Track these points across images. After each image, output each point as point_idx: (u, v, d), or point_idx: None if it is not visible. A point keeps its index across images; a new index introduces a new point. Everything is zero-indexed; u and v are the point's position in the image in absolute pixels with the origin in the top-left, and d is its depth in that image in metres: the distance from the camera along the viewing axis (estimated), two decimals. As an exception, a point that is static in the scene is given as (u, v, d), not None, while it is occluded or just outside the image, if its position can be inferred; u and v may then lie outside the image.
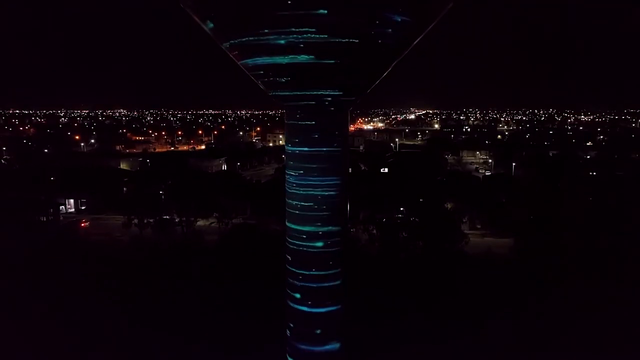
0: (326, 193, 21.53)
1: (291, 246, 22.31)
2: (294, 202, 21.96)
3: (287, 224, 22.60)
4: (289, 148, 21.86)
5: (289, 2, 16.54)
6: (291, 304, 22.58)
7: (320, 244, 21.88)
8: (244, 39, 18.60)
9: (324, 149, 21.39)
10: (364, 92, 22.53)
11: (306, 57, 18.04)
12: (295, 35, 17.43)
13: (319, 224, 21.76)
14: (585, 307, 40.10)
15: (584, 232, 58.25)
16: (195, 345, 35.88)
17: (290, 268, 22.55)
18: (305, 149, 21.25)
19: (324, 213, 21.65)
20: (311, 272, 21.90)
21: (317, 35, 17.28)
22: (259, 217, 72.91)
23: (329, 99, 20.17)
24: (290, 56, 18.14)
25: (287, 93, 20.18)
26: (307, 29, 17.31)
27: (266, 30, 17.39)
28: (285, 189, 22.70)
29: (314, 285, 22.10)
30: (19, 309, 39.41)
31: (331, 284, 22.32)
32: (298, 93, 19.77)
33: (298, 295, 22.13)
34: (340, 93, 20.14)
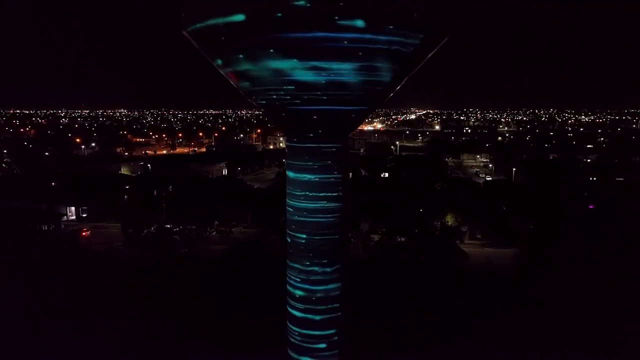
0: (328, 217, 21.39)
1: (291, 280, 22.38)
2: (293, 231, 21.92)
3: (288, 261, 22.46)
4: (290, 174, 21.72)
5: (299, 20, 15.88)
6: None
7: (322, 270, 21.89)
8: (249, 50, 18.07)
9: (326, 174, 21.35)
10: (371, 110, 22.28)
11: (316, 76, 17.81)
12: (303, 51, 17.06)
13: (320, 251, 21.72)
14: (586, 315, 40.16)
15: (585, 241, 58.26)
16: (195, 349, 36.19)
17: (291, 297, 22.65)
18: (308, 174, 21.17)
19: (326, 237, 21.58)
20: (313, 297, 21.99)
21: (329, 46, 16.92)
22: (260, 226, 72.91)
23: (335, 117, 19.87)
24: (298, 72, 17.82)
25: (292, 108, 19.62)
26: (316, 48, 16.90)
27: (271, 50, 17.10)
28: (286, 214, 22.65)
29: (316, 317, 22.17)
30: (18, 319, 39.53)
31: (332, 313, 22.43)
32: (303, 108, 19.30)
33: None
34: (350, 108, 19.78)
